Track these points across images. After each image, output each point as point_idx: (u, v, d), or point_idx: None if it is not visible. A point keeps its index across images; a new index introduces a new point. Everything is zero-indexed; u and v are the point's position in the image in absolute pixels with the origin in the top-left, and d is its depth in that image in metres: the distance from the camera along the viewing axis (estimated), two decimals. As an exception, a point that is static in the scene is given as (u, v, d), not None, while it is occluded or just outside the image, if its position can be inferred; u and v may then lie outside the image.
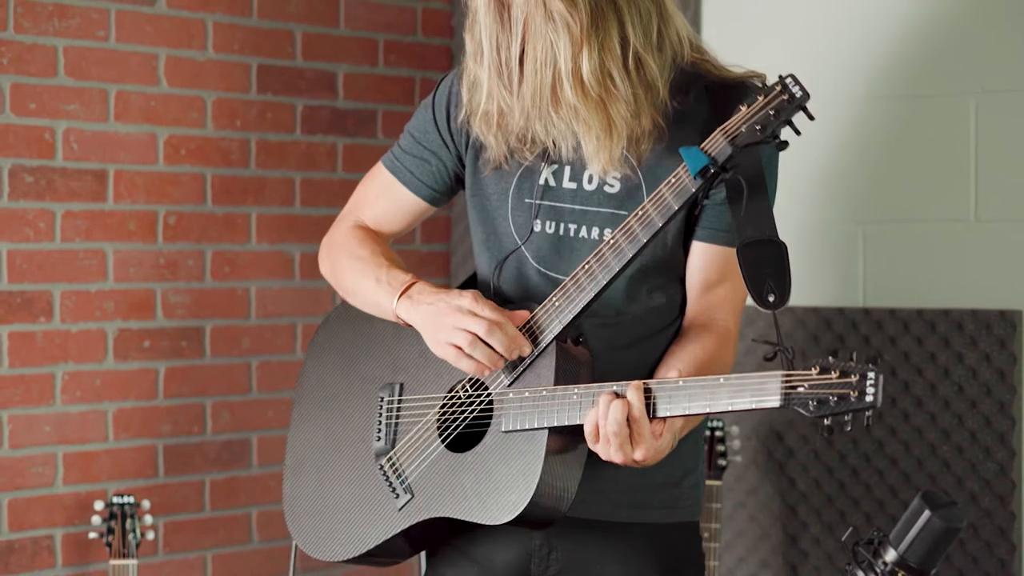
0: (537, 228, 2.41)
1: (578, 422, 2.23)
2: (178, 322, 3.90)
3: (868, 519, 3.53)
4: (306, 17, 4.12)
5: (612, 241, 2.27)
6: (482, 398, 2.37)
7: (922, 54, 3.52)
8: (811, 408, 2.05)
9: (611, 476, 2.34)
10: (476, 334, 2.29)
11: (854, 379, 2.02)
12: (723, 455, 3.55)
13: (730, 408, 2.12)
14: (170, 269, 3.88)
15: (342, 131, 4.20)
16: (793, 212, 3.07)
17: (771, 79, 2.22)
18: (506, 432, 2.30)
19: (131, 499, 3.63)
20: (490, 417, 2.34)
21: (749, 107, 2.18)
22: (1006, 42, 3.39)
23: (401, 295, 2.41)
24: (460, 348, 2.31)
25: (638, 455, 2.20)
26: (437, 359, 2.40)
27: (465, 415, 2.38)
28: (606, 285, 2.28)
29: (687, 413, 2.18)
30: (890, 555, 2.03)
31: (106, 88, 3.75)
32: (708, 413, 2.23)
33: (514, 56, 2.28)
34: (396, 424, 2.45)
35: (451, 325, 2.31)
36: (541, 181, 2.41)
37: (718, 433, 3.57)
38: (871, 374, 2.02)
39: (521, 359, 2.32)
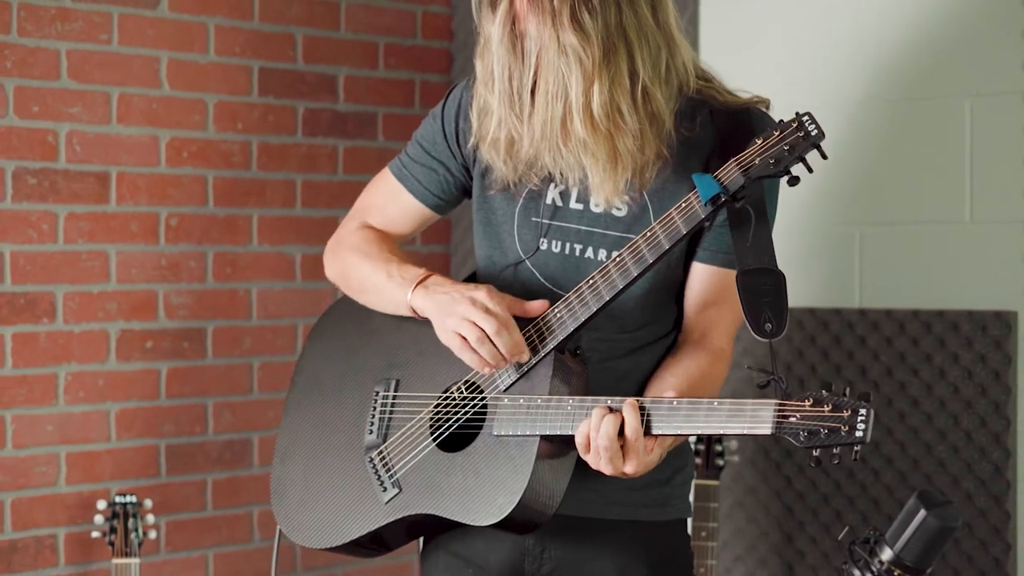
0: (543, 247, 2.43)
1: (570, 432, 2.25)
2: (180, 323, 3.91)
3: (864, 518, 3.52)
4: (307, 20, 4.12)
5: (618, 259, 2.29)
6: (477, 401, 2.38)
7: (917, 57, 3.52)
8: (801, 439, 2.07)
9: (604, 475, 2.33)
10: (484, 331, 2.31)
11: (846, 414, 2.05)
12: (720, 455, 3.54)
13: (722, 432, 2.15)
14: (172, 270, 3.89)
15: (343, 133, 4.21)
16: (790, 214, 3.07)
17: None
18: (498, 436, 2.32)
19: (133, 498, 3.63)
20: (483, 420, 2.36)
21: (764, 140, 2.20)
22: (1000, 45, 3.39)
23: (417, 285, 2.42)
24: (465, 340, 2.33)
25: (628, 468, 2.22)
26: (435, 358, 2.42)
27: (459, 416, 2.39)
28: (608, 301, 2.30)
29: (679, 433, 2.21)
30: (886, 554, 2.03)
31: (108, 91, 3.77)
32: (700, 434, 2.27)
33: (526, 87, 2.29)
34: (389, 419, 2.46)
35: (461, 315, 2.32)
36: (548, 201, 2.42)
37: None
38: (863, 410, 2.05)
39: (520, 365, 2.34)
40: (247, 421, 4.03)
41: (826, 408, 2.06)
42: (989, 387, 3.36)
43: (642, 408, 2.20)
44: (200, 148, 3.93)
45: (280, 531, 2.54)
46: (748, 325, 2.22)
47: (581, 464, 2.31)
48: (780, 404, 2.09)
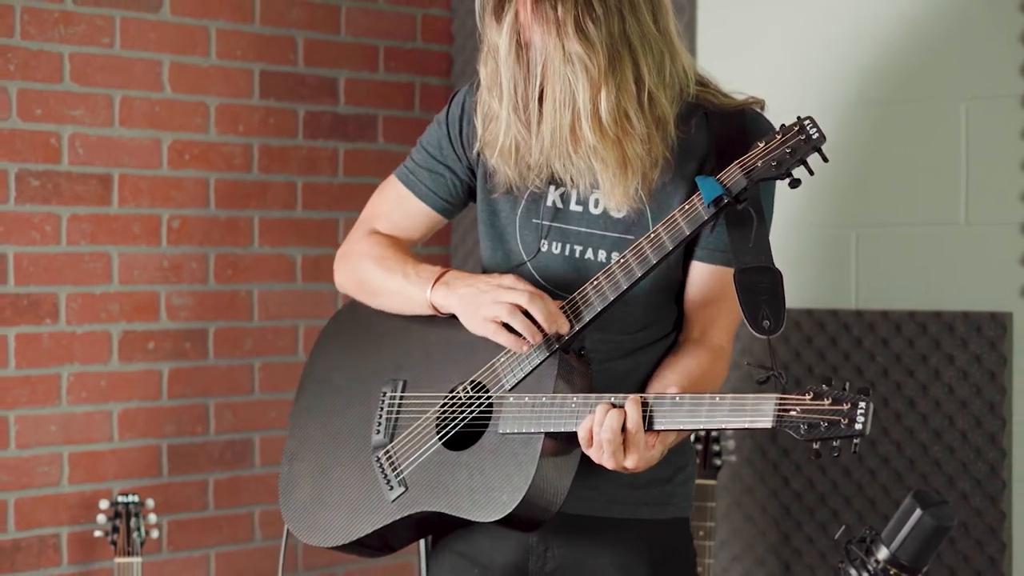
0: (544, 248, 2.45)
1: (574, 430, 2.27)
2: (182, 324, 3.92)
3: (861, 518, 3.52)
4: (308, 24, 4.13)
5: (623, 260, 2.31)
6: (482, 400, 2.40)
7: (913, 59, 3.52)
8: (801, 432, 2.09)
9: (606, 474, 2.36)
10: (517, 303, 2.32)
11: (845, 407, 2.07)
12: (718, 454, 3.54)
13: (724, 426, 2.17)
14: (174, 272, 3.90)
15: (343, 136, 4.22)
16: (787, 215, 3.08)
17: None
18: (503, 435, 2.33)
19: (135, 498, 3.64)
20: (489, 419, 2.37)
21: (767, 143, 2.22)
22: (996, 48, 3.38)
23: (436, 283, 2.43)
24: (499, 321, 2.33)
25: (629, 463, 2.24)
26: (441, 359, 2.44)
27: (465, 415, 2.41)
28: (613, 301, 2.31)
29: (682, 428, 2.23)
30: (882, 553, 2.04)
31: (111, 94, 3.77)
32: (702, 429, 2.29)
33: (532, 96, 2.31)
34: (396, 419, 2.47)
35: (491, 300, 2.33)
36: (548, 203, 2.44)
37: (713, 433, 3.55)
38: (862, 404, 2.07)
39: (561, 336, 2.32)
40: (248, 421, 4.04)
41: (826, 402, 2.08)
42: (984, 387, 3.36)
43: (645, 404, 2.23)
44: (202, 150, 3.94)
45: (287, 531, 2.55)
46: (746, 323, 2.24)
47: (584, 462, 2.33)
48: (781, 398, 2.11)
